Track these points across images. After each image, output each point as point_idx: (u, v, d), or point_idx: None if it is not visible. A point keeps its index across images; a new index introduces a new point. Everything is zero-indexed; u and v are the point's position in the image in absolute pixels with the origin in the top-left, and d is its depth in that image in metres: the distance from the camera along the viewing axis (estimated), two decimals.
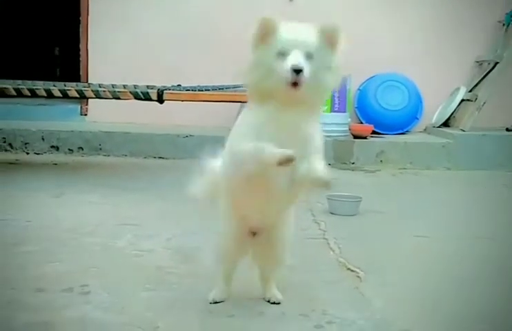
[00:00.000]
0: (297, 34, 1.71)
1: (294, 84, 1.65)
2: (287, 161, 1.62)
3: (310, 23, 1.73)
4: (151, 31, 5.80)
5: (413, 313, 1.92)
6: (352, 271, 2.26)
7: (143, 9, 5.84)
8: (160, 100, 3.56)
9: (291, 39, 1.68)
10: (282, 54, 1.67)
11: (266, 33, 1.70)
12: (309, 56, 1.67)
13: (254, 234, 1.91)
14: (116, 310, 1.83)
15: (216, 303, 1.91)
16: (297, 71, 1.64)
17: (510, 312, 1.97)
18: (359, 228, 2.99)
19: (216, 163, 1.94)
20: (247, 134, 1.71)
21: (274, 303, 1.94)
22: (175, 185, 3.94)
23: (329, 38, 1.71)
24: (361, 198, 3.27)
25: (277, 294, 1.96)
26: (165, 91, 3.59)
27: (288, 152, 1.62)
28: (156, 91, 3.57)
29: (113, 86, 3.79)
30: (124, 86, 3.90)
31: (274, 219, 1.90)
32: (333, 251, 2.52)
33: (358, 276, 2.20)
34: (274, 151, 1.63)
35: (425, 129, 5.53)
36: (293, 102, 1.69)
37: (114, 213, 3.08)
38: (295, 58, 1.65)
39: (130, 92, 3.62)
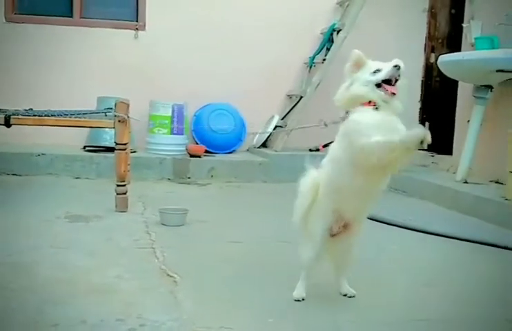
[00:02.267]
0: (382, 62, 1.92)
1: (392, 85, 1.85)
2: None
3: None
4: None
5: (219, 311, 1.92)
6: (170, 276, 2.22)
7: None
8: (7, 124, 3.30)
9: (381, 63, 1.91)
10: (377, 71, 1.88)
11: (359, 62, 1.91)
12: None
13: (333, 235, 2.04)
14: None
15: (302, 300, 2.04)
16: (398, 67, 1.85)
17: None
18: (184, 237, 2.96)
19: (313, 174, 2.04)
20: (371, 132, 1.80)
21: (350, 296, 2.12)
22: (26, 200, 3.72)
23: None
24: (188, 210, 3.28)
25: (351, 290, 2.14)
26: (12, 116, 3.32)
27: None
28: (3, 116, 3.30)
29: None
30: None
31: (366, 213, 2.06)
32: (158, 259, 2.47)
33: (175, 281, 2.17)
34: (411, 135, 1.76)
35: (248, 150, 5.68)
36: (389, 106, 1.86)
37: None
38: (395, 62, 1.87)
39: None
